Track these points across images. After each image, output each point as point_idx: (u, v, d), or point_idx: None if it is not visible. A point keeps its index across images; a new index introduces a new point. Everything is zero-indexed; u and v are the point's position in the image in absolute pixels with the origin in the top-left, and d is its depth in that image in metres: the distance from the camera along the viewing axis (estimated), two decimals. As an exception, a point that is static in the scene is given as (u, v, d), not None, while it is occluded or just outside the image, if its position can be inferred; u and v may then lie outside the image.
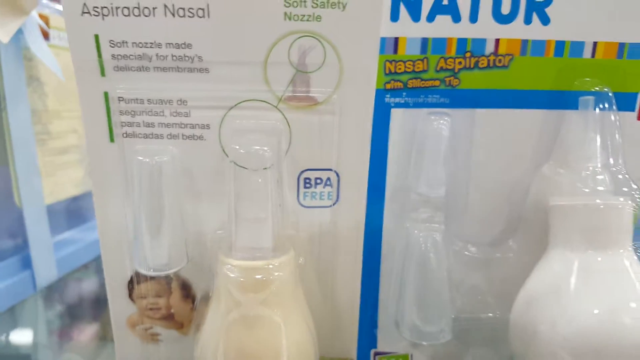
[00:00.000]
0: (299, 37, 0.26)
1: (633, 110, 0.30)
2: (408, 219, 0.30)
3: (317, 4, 0.25)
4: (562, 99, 0.29)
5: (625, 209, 0.27)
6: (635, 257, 0.27)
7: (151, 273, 0.28)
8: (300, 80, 0.26)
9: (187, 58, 0.26)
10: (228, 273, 0.25)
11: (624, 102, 0.29)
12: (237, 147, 0.26)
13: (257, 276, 0.25)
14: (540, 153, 0.30)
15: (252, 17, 0.25)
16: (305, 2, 0.25)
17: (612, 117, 0.29)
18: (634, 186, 0.28)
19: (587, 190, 0.27)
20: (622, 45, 0.29)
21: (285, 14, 0.25)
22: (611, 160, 0.28)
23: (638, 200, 0.28)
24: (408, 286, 0.31)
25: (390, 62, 0.28)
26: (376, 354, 0.33)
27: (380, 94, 0.28)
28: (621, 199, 0.27)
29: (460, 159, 0.30)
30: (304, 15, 0.25)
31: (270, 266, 0.26)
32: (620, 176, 0.28)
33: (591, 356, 0.25)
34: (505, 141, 0.30)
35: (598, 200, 0.27)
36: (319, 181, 0.29)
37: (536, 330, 0.27)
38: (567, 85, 0.29)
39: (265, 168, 0.26)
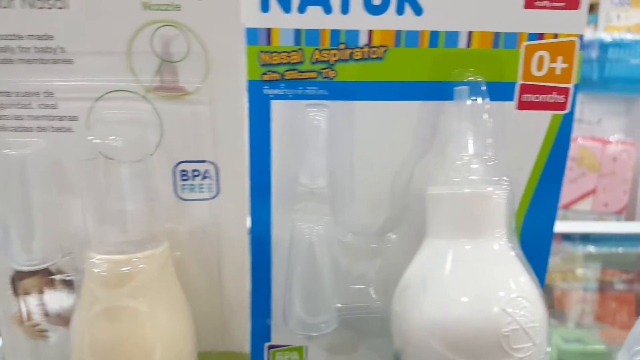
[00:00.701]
0: (160, 27, 0.26)
1: (512, 99, 0.30)
2: (293, 211, 0.30)
3: (175, -6, 0.25)
4: (439, 90, 0.29)
5: (494, 197, 0.27)
6: (507, 245, 0.27)
7: (24, 268, 0.28)
8: (167, 70, 0.26)
9: (49, 50, 0.26)
10: (92, 267, 0.25)
11: (503, 92, 0.30)
12: (103, 138, 0.26)
13: (121, 269, 0.25)
14: (421, 143, 0.30)
15: (111, 7, 0.25)
16: (163, -9, 0.25)
17: (486, 107, 0.29)
18: (505, 177, 0.28)
19: (457, 179, 0.28)
20: (497, 35, 0.29)
21: (144, 3, 0.25)
22: (485, 149, 0.28)
23: (508, 188, 0.28)
24: (293, 279, 0.30)
25: (265, 52, 0.28)
26: (270, 347, 0.32)
27: (257, 85, 0.28)
28: (490, 188, 0.27)
29: (343, 150, 0.30)
30: (162, 4, 0.25)
31: (135, 259, 0.26)
32: (492, 165, 0.28)
33: (459, 344, 0.25)
34: (387, 132, 0.30)
35: (466, 189, 0.27)
36: (196, 173, 0.28)
37: (407, 319, 0.27)
38: (445, 76, 0.29)
39: (131, 160, 0.26)
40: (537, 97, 0.30)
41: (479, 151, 0.28)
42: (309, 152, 0.29)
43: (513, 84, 0.30)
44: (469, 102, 0.29)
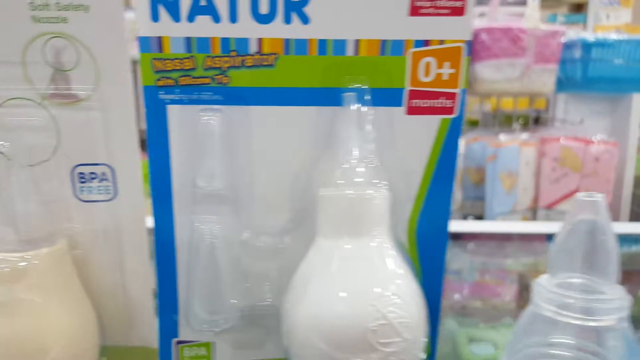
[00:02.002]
0: (50, 38, 0.27)
1: (400, 105, 0.31)
2: (193, 212, 0.32)
3: (61, 7, 0.26)
4: (330, 96, 0.30)
5: (373, 199, 0.28)
6: (386, 245, 0.29)
7: None
8: (60, 78, 0.28)
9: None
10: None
11: (392, 98, 0.31)
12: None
13: (16, 265, 0.27)
14: (318, 148, 0.31)
15: (3, 20, 0.26)
16: (49, 5, 0.26)
17: (373, 113, 0.30)
18: (385, 181, 0.29)
19: (342, 182, 0.29)
20: (384, 42, 0.30)
21: (33, 17, 0.26)
22: (370, 154, 0.30)
23: (388, 190, 0.29)
24: (193, 277, 0.32)
25: (158, 60, 0.29)
26: (178, 342, 0.34)
27: (152, 90, 0.30)
28: (370, 191, 0.28)
29: (242, 154, 0.31)
30: (50, 18, 0.26)
31: (28, 256, 0.27)
32: (376, 168, 0.29)
33: (333, 338, 0.27)
34: (285, 136, 0.31)
35: (348, 191, 0.28)
36: (93, 176, 0.30)
37: (290, 316, 0.28)
38: (335, 82, 0.30)
39: (27, 164, 0.27)
40: (425, 103, 0.31)
41: (364, 155, 0.29)
42: (205, 155, 0.31)
43: (401, 90, 0.31)
44: (356, 107, 0.30)
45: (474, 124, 1.89)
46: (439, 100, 0.31)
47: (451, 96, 0.31)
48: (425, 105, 0.31)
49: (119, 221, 0.31)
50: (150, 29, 0.29)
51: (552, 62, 1.51)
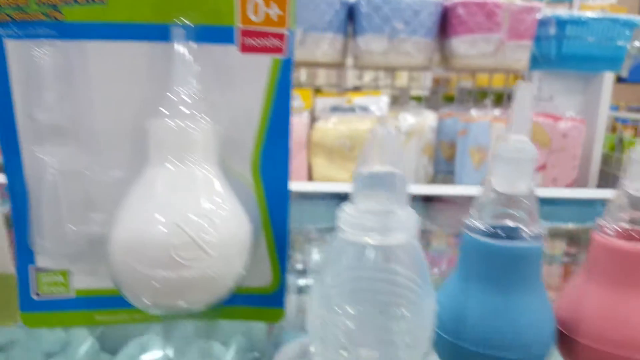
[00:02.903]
0: None
1: (232, 42, 0.32)
2: (37, 145, 0.33)
3: None
4: (162, 32, 0.31)
5: (197, 129, 0.30)
6: (207, 171, 0.30)
7: None
8: None
9: None
10: None
11: (226, 35, 0.32)
12: None
13: None
14: (152, 82, 0.32)
15: None
16: None
17: (201, 49, 0.31)
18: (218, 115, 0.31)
19: (167, 113, 0.30)
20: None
21: None
22: (197, 88, 0.31)
23: (209, 122, 0.30)
24: (40, 209, 0.33)
25: (-9, -5, 0.30)
26: (36, 270, 0.35)
27: (-11, 26, 0.31)
28: (192, 122, 0.30)
29: (81, 88, 0.33)
30: None
31: None
32: (204, 102, 0.31)
33: (144, 255, 0.28)
34: (120, 71, 0.32)
35: (171, 121, 0.30)
36: None
37: (109, 241, 0.30)
38: (166, 18, 0.31)
39: None
40: (256, 42, 0.32)
41: (191, 89, 0.31)
42: (42, 89, 0.32)
43: (231, 27, 0.32)
44: (184, 43, 0.31)
45: (450, 99, 1.89)
46: (269, 40, 0.32)
47: (280, 37, 0.32)
48: (257, 45, 0.32)
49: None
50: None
51: (527, 38, 1.51)
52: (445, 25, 1.48)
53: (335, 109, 1.47)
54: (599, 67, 1.54)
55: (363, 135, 1.37)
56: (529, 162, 0.28)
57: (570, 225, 0.86)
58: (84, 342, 0.39)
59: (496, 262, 0.28)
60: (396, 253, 0.27)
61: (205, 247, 0.28)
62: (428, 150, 1.51)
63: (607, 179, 1.60)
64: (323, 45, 1.49)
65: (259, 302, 0.37)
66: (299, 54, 1.49)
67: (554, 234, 0.78)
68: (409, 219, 0.26)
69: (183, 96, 0.30)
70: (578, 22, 1.53)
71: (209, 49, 0.32)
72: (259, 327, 0.42)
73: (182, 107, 0.30)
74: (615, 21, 1.44)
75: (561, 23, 1.52)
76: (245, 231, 0.31)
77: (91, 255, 0.35)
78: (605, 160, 1.58)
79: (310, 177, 1.44)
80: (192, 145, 0.30)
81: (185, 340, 0.38)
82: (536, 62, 1.56)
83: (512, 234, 0.28)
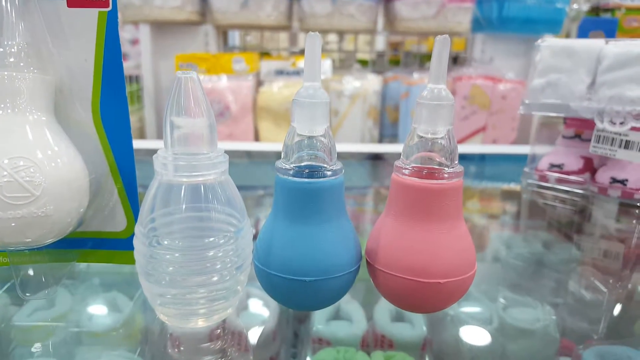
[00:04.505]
0: None
1: (60, -3, 0.34)
2: None
3: None
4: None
5: (19, 79, 0.32)
6: (42, 120, 0.32)
7: None
8: None
9: None
10: None
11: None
12: None
13: None
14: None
15: None
16: None
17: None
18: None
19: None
20: None
21: None
22: (25, 40, 0.32)
23: (36, 74, 0.32)
24: None
25: None
26: None
27: None
28: (15, 72, 0.31)
29: None
30: None
31: None
32: (30, 53, 0.32)
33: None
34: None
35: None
36: None
37: None
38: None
39: None
40: (82, -5, 0.34)
41: (18, 41, 0.32)
42: None
43: (54, -18, 0.33)
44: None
45: (396, 63, 1.91)
46: (94, -6, 0.33)
47: (104, -10, 0.33)
48: (83, -1, 0.34)
49: None
50: None
51: (468, 1, 1.53)
52: (387, -12, 1.49)
53: (280, 73, 1.48)
54: (538, 29, 1.57)
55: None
56: (323, 105, 0.31)
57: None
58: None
59: (297, 197, 0.32)
60: (209, 189, 0.30)
61: (29, 187, 0.30)
62: (373, 113, 1.53)
63: (545, 139, 1.65)
64: (267, 8, 1.49)
65: (114, 245, 0.39)
66: (242, 17, 1.49)
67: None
68: (217, 158, 0.30)
69: (10, 48, 0.32)
70: (519, -15, 1.55)
71: (38, 4, 0.33)
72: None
73: (9, 58, 0.32)
74: (553, -17, 1.47)
75: (502, -15, 1.54)
76: (78, 174, 0.33)
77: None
78: (544, 121, 1.63)
79: (257, 140, 1.45)
80: (19, 94, 0.31)
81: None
82: (478, 24, 1.59)
83: (313, 171, 0.31)
